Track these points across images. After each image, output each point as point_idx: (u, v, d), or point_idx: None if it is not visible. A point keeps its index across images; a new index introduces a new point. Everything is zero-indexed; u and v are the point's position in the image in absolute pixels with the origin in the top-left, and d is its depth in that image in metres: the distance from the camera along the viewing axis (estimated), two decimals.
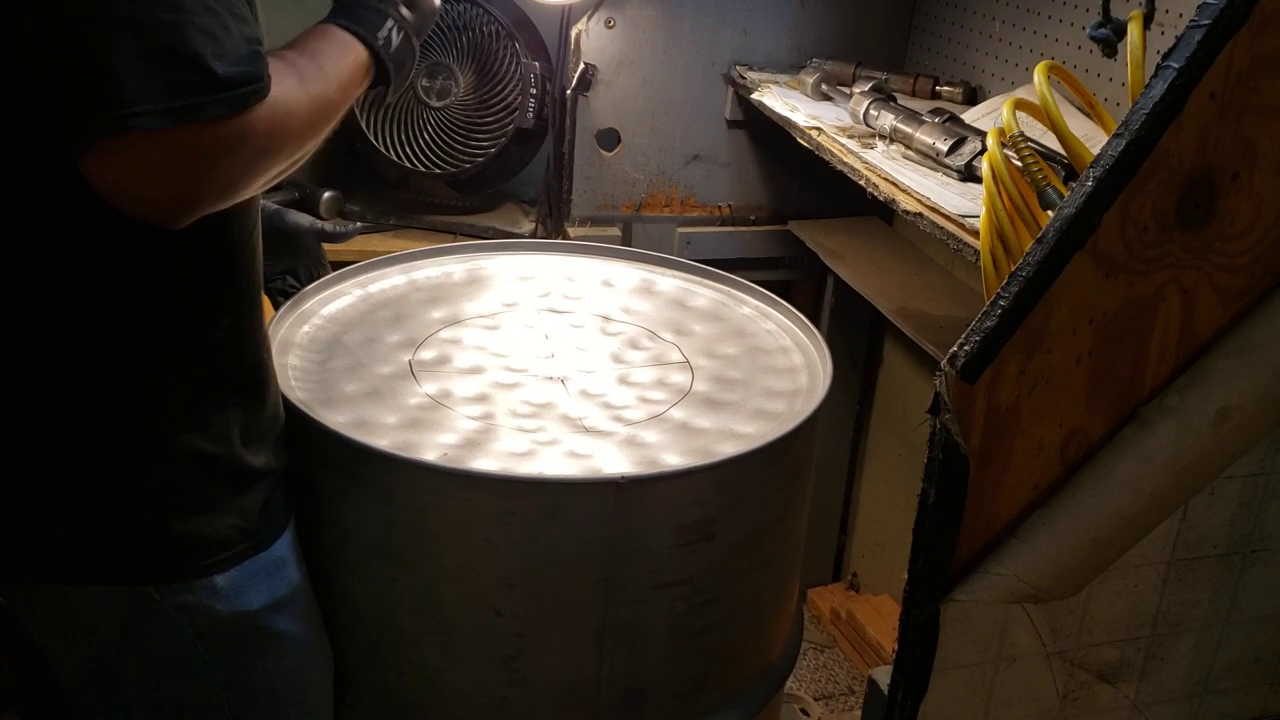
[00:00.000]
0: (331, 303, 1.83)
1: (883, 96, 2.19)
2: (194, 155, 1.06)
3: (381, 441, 1.48)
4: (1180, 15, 1.86)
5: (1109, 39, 1.57)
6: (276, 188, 1.79)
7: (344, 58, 1.30)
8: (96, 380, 1.22)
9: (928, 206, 1.85)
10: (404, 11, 1.38)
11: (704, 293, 2.00)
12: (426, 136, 2.52)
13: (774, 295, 1.96)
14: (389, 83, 1.38)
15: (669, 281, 2.03)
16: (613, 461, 1.51)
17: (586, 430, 1.58)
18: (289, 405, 1.48)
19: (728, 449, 1.54)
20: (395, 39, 1.36)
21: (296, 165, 1.26)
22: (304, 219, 1.86)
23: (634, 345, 1.82)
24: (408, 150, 2.53)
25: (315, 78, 1.23)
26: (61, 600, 1.29)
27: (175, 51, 1.03)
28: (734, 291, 2.00)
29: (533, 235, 2.58)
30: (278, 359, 1.60)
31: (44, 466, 1.24)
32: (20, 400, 1.23)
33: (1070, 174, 1.66)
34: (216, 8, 1.06)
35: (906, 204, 1.89)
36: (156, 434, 1.26)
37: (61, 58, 1.03)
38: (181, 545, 1.27)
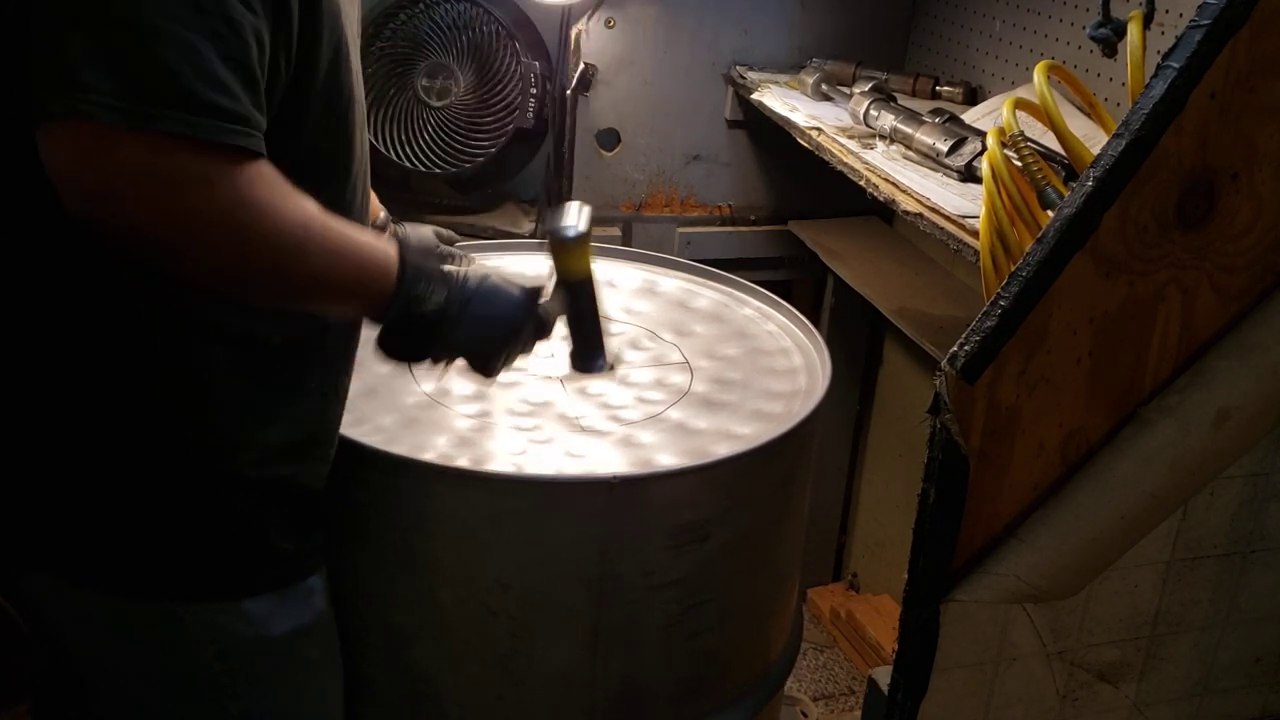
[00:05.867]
0: None
1: (883, 96, 2.19)
2: (140, 167, 1.00)
3: (376, 440, 1.48)
4: (1180, 15, 1.86)
5: (1109, 39, 1.57)
6: None
7: (357, 258, 1.17)
8: (145, 402, 1.21)
9: (928, 206, 1.85)
10: (464, 309, 1.24)
11: (706, 294, 2.00)
12: (426, 136, 2.52)
13: (775, 296, 1.95)
14: (388, 323, 1.23)
15: (671, 282, 2.03)
16: (608, 461, 1.51)
17: (583, 430, 1.58)
18: None
19: (723, 450, 1.54)
20: (427, 305, 1.21)
21: (236, 292, 1.13)
22: (429, 239, 1.87)
23: (634, 345, 1.82)
24: (408, 150, 2.53)
25: (321, 224, 1.12)
26: (85, 604, 1.28)
27: (158, 57, 0.99)
28: (736, 293, 1.99)
29: (533, 235, 2.58)
30: None
31: (91, 479, 1.23)
32: (65, 411, 1.22)
33: (1070, 174, 1.66)
34: (233, 52, 1.02)
35: (906, 204, 1.88)
36: (211, 463, 1.25)
37: (40, 32, 1.00)
38: (216, 568, 1.27)
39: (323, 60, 1.18)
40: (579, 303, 1.38)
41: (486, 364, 1.31)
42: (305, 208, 1.11)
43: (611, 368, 1.44)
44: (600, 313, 1.40)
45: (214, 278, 1.11)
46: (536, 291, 1.33)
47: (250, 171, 1.05)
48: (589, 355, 1.40)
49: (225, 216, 1.05)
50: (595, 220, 2.76)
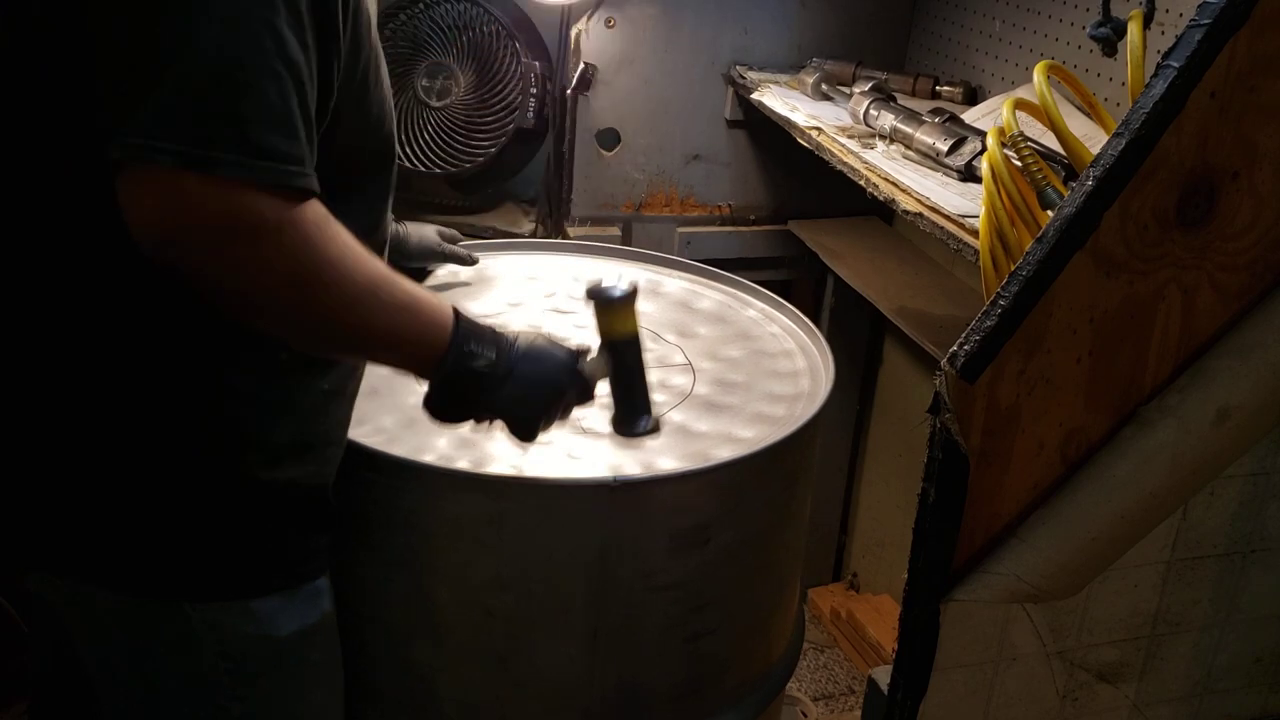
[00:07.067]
0: None
1: (883, 96, 2.19)
2: (202, 210, 1.02)
3: (377, 441, 1.48)
4: (1180, 15, 1.86)
5: (1109, 39, 1.57)
6: None
7: (414, 312, 1.18)
8: (159, 400, 1.21)
9: (928, 206, 1.85)
10: (511, 370, 1.25)
11: (710, 295, 2.00)
12: (427, 136, 2.52)
13: (779, 299, 1.95)
14: (438, 380, 1.23)
15: (675, 283, 2.03)
16: (608, 464, 1.51)
17: (584, 432, 1.58)
18: None
19: (724, 453, 1.54)
20: (478, 362, 1.22)
21: (302, 341, 1.16)
22: (431, 238, 1.90)
23: None
24: (408, 150, 2.53)
25: (385, 278, 1.14)
26: (91, 602, 1.28)
27: (217, 100, 1.00)
28: (740, 294, 1.99)
29: (533, 235, 2.58)
30: None
31: (103, 478, 1.23)
32: (80, 412, 1.22)
33: (1070, 174, 1.66)
34: (291, 92, 1.04)
35: (906, 204, 1.88)
36: (223, 462, 1.24)
37: (109, 78, 1.03)
38: (228, 568, 1.27)
39: (363, 62, 1.21)
40: (624, 364, 1.36)
41: (528, 426, 1.31)
42: (369, 261, 1.13)
43: (656, 429, 1.41)
44: (645, 374, 1.38)
45: (280, 324, 1.13)
46: (581, 354, 1.34)
47: (309, 214, 1.06)
48: (633, 418, 1.38)
49: (290, 261, 1.06)
50: (595, 220, 2.77)
